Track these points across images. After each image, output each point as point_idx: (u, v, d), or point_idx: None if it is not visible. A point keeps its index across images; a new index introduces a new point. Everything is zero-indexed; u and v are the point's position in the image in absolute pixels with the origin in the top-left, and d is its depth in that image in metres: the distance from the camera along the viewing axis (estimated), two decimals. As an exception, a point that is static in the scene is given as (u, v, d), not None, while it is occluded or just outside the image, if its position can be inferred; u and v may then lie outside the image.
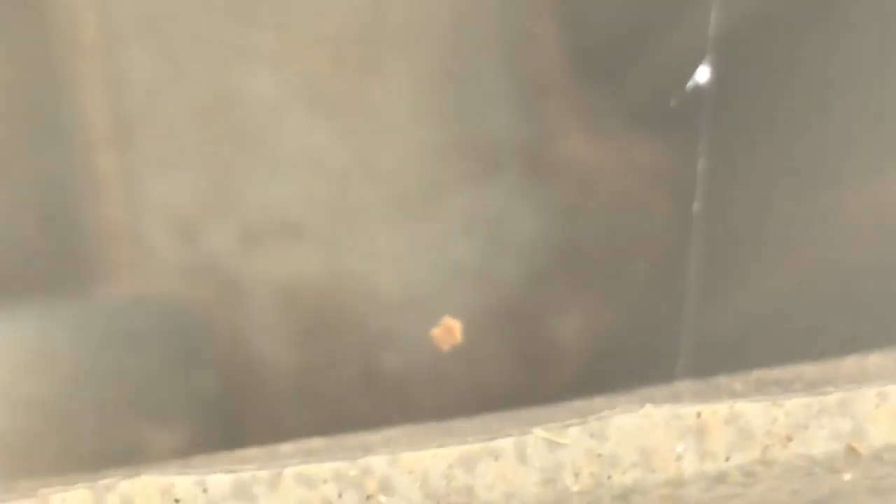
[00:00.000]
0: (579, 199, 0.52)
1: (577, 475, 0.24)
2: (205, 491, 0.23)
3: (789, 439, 0.25)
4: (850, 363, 0.28)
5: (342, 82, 0.52)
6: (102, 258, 0.52)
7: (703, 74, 0.45)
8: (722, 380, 0.28)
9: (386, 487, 0.24)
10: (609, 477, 0.24)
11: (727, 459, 0.25)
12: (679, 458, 0.25)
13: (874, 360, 0.28)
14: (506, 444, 0.24)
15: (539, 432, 0.24)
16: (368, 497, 0.24)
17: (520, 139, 0.53)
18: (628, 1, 0.54)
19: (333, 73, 0.52)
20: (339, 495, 0.24)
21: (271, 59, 0.51)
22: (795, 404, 0.25)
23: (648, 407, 0.24)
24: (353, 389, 0.52)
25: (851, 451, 0.25)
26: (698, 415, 0.25)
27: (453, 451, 0.24)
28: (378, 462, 0.24)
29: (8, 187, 0.52)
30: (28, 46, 0.54)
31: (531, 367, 0.50)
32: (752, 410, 0.25)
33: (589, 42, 0.53)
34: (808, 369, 0.28)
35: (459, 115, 0.53)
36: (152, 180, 0.51)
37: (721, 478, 0.25)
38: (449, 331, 0.35)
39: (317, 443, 0.27)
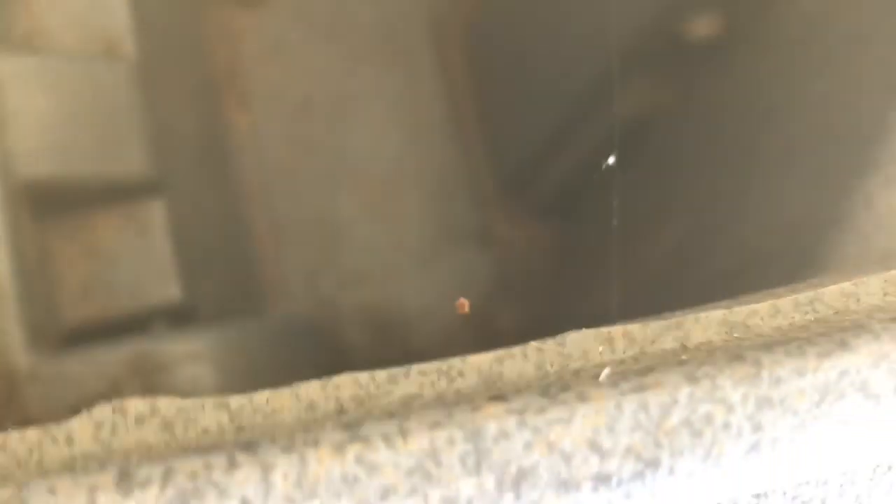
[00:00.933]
0: (508, 262, 0.95)
1: (552, 364, 0.33)
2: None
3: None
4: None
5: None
6: (263, 289, 0.91)
7: (610, 160, 0.53)
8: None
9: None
10: (568, 365, 0.32)
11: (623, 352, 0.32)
12: (601, 353, 0.32)
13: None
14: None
15: (532, 343, 0.32)
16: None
17: (473, 228, 0.93)
18: (539, 121, 0.84)
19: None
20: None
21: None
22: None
23: (584, 329, 0.33)
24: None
25: (683, 346, 0.32)
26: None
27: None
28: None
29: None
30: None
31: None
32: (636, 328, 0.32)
33: (511, 160, 0.90)
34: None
35: (435, 215, 0.91)
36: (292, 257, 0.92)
37: (622, 361, 0.32)
38: (462, 305, 0.46)
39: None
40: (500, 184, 0.93)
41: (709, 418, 0.32)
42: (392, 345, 0.89)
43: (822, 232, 0.58)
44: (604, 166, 0.53)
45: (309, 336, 0.87)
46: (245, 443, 0.30)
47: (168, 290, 0.69)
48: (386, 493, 0.30)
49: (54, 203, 0.69)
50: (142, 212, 0.70)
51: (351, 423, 0.31)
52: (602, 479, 0.31)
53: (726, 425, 0.32)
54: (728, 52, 0.73)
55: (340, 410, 0.32)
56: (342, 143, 0.93)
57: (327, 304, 0.88)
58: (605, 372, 0.32)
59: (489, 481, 0.30)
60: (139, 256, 0.68)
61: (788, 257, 0.61)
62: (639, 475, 0.31)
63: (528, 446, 0.30)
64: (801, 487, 0.34)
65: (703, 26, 0.76)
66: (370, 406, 0.32)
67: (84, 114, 0.69)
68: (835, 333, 0.33)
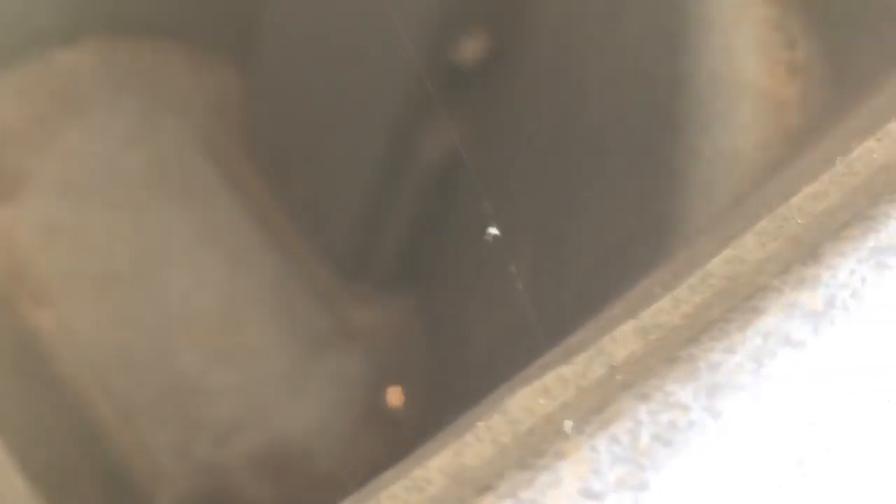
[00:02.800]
0: (380, 346, 0.94)
1: (505, 434, 0.34)
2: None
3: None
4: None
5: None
6: (139, 484, 0.87)
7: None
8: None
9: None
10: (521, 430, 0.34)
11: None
12: (544, 406, 0.35)
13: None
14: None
15: (479, 423, 0.33)
16: None
17: (329, 329, 0.93)
18: (349, 194, 0.86)
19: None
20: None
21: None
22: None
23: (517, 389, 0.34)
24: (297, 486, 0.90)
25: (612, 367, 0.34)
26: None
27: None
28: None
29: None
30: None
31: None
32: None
33: (339, 244, 0.91)
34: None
35: (285, 333, 0.91)
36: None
37: (565, 406, 0.35)
38: (395, 395, 0.51)
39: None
40: (338, 272, 0.92)
41: (673, 425, 0.34)
42: (300, 480, 0.88)
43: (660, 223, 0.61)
44: (487, 237, 0.53)
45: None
46: None
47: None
48: None
49: None
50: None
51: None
52: (606, 519, 0.30)
53: (690, 424, 0.34)
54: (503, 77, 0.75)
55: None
56: (162, 299, 0.91)
57: (212, 467, 0.85)
58: (569, 424, 0.33)
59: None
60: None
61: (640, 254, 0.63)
62: (635, 501, 0.33)
63: (531, 520, 0.29)
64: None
65: (471, 48, 0.77)
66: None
67: None
68: (742, 304, 0.35)
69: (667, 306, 0.36)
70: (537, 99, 0.76)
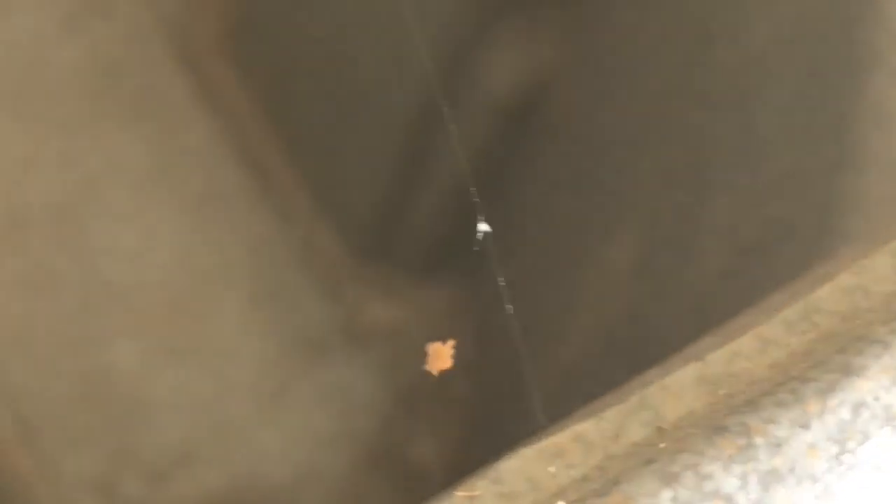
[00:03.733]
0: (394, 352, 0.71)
1: None
2: None
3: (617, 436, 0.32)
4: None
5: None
6: None
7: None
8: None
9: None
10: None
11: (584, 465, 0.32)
12: (554, 476, 0.31)
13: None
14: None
15: (459, 493, 0.31)
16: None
17: (328, 327, 0.73)
18: (371, 149, 0.74)
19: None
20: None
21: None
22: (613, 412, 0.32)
23: (521, 449, 0.32)
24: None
25: (659, 429, 0.32)
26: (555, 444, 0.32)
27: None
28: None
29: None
30: None
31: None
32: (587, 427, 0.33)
33: (353, 212, 0.75)
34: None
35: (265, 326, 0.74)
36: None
37: (584, 478, 0.32)
38: (439, 354, 0.40)
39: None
40: (349, 247, 0.75)
41: None
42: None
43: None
44: (478, 235, 0.49)
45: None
46: None
47: None
48: None
49: None
50: None
51: None
52: None
53: None
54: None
55: None
56: (91, 259, 0.74)
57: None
58: None
59: None
60: None
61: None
62: None
63: None
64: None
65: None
66: None
67: None
68: (833, 356, 0.31)
69: (748, 349, 0.32)
70: (655, 17, 0.64)
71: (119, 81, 0.79)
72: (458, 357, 0.72)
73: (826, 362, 0.31)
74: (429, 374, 0.40)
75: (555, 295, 0.70)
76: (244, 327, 0.74)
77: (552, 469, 0.31)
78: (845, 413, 0.30)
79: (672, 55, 0.65)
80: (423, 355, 0.75)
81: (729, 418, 0.30)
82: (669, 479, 0.30)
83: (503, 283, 0.55)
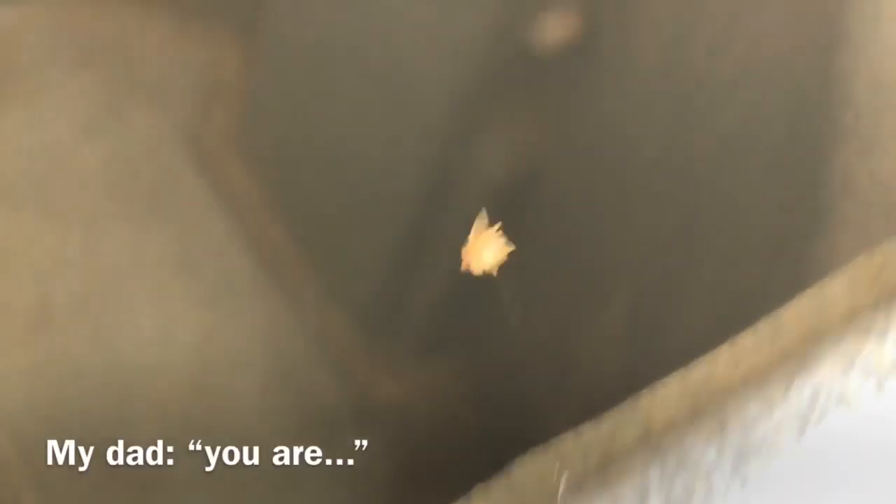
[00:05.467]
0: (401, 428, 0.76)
1: None
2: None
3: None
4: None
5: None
6: None
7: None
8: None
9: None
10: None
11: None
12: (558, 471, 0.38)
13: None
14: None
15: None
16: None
17: (341, 405, 0.76)
18: (376, 228, 0.78)
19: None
20: None
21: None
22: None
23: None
24: None
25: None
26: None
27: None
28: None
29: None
30: None
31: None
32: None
33: (361, 290, 0.80)
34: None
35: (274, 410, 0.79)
36: None
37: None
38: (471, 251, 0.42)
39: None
40: (359, 328, 0.80)
41: (688, 491, 0.32)
42: None
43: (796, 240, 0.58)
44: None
45: None
46: None
47: None
48: None
49: None
50: None
51: None
52: None
53: (709, 492, 0.33)
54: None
55: None
56: (113, 347, 0.78)
57: None
58: (563, 484, 0.34)
59: None
60: None
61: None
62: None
63: None
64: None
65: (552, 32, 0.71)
66: None
67: None
68: (795, 351, 0.35)
69: (724, 362, 0.36)
70: (639, 102, 0.69)
71: (137, 181, 0.84)
72: (466, 426, 0.76)
73: (790, 356, 0.34)
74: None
75: (555, 362, 0.74)
76: (260, 408, 0.79)
77: (556, 465, 0.36)
78: (806, 397, 0.33)
79: (653, 137, 0.69)
80: (431, 429, 0.79)
81: (707, 405, 0.33)
82: (656, 455, 0.33)
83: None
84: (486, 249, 0.41)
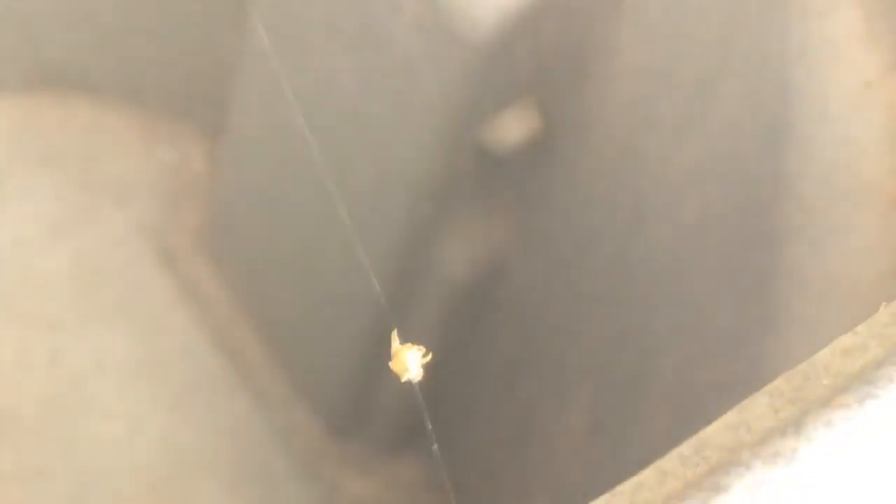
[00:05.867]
0: None
1: None
2: None
3: None
4: None
5: None
6: None
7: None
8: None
9: None
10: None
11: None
12: None
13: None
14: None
15: None
16: None
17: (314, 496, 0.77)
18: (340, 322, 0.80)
19: None
20: None
21: None
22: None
23: None
24: None
25: None
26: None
27: None
28: None
29: None
30: None
31: None
32: None
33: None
34: None
35: None
36: None
37: None
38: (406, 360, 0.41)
39: None
40: (327, 426, 0.81)
41: None
42: None
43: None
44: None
45: None
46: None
47: None
48: None
49: None
50: None
51: None
52: None
53: None
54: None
55: None
56: (81, 454, 0.79)
57: None
58: None
59: None
60: None
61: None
62: None
63: None
64: None
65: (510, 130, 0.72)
66: None
67: None
68: (706, 479, 0.34)
69: (650, 482, 0.34)
70: (598, 199, 0.71)
71: (103, 282, 0.85)
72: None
73: (700, 483, 0.34)
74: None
75: (518, 461, 0.75)
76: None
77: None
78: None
79: (612, 234, 0.70)
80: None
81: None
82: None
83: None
84: (405, 363, 0.42)
